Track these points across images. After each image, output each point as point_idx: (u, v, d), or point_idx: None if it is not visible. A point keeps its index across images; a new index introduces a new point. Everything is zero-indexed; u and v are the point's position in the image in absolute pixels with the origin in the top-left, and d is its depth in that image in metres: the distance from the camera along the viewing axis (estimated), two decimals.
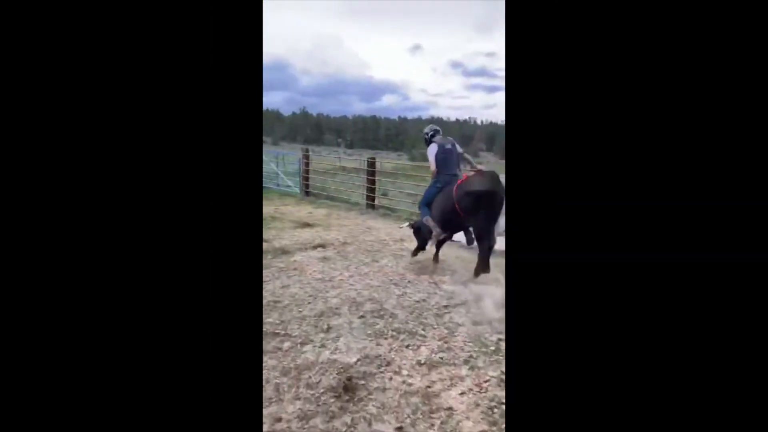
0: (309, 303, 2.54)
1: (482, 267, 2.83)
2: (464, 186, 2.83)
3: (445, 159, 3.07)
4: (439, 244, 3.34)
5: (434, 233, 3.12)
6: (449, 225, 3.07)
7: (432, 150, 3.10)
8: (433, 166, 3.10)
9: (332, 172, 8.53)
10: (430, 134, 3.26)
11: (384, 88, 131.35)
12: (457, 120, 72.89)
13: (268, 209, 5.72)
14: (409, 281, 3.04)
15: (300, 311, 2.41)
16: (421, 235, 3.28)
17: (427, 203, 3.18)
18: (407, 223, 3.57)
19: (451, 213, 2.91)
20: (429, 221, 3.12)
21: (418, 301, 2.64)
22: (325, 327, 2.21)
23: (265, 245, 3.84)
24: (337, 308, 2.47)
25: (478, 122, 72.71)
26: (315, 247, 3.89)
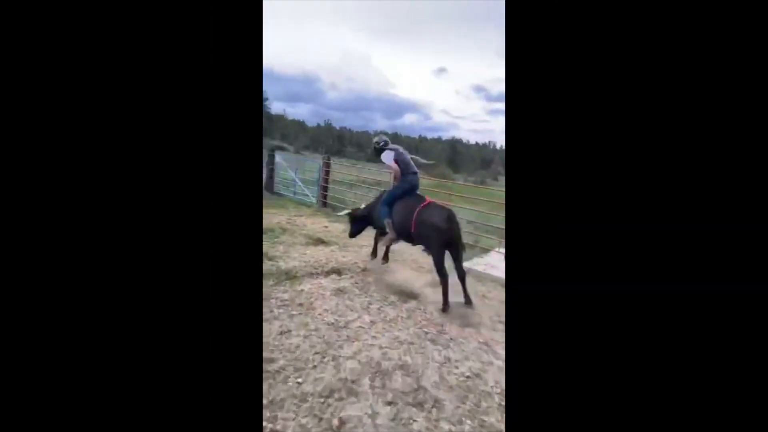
0: (314, 366, 1.77)
1: (443, 303, 2.68)
2: (423, 214, 2.83)
3: (404, 160, 3.14)
4: (387, 248, 3.38)
5: (389, 236, 3.15)
6: (402, 235, 3.12)
7: (389, 156, 3.14)
8: (396, 169, 3.12)
9: (351, 183, 7.85)
10: (382, 143, 3.26)
11: (407, 106, 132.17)
12: (477, 143, 72.27)
13: (279, 219, 5.07)
14: (450, 338, 2.24)
15: (299, 382, 1.64)
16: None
17: (389, 203, 3.13)
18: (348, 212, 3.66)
19: (406, 229, 2.98)
20: (389, 224, 3.12)
21: (469, 377, 1.83)
22: (336, 422, 1.42)
23: (268, 265, 3.12)
24: (354, 381, 1.69)
25: (497, 147, 71.89)
26: (328, 273, 3.14)
